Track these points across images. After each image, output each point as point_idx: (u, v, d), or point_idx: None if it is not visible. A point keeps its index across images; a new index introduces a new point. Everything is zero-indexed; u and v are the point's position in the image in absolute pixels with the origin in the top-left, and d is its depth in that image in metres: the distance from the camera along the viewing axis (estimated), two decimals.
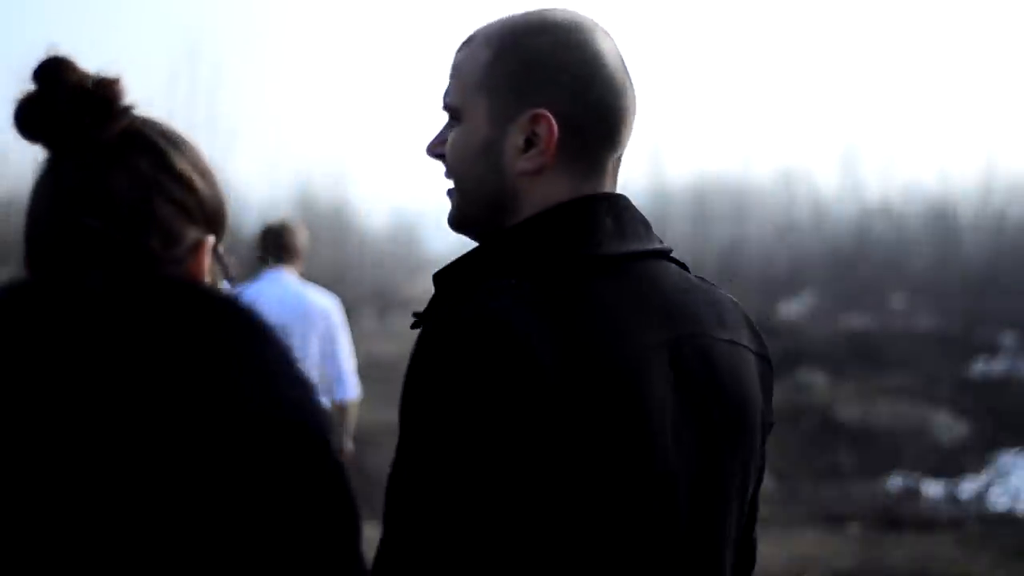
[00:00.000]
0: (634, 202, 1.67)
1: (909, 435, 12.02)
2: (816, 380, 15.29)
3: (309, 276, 6.32)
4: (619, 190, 1.69)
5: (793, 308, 23.75)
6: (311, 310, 5.92)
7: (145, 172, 1.49)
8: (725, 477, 1.64)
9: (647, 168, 29.04)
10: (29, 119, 1.50)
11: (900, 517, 9.19)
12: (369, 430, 6.42)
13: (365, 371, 6.91)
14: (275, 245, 5.96)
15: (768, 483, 10.72)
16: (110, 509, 1.39)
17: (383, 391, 8.17)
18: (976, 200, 26.64)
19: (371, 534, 1.42)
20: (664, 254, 1.67)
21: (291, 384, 1.46)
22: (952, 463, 11.04)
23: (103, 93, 1.49)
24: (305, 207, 24.18)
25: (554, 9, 1.66)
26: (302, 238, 6.05)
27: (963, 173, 33.10)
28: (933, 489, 10.41)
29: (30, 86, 1.50)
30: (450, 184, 1.66)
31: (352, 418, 6.21)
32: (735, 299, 1.76)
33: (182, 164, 1.52)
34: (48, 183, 1.51)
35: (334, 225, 24.25)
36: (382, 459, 1.62)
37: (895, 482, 10.55)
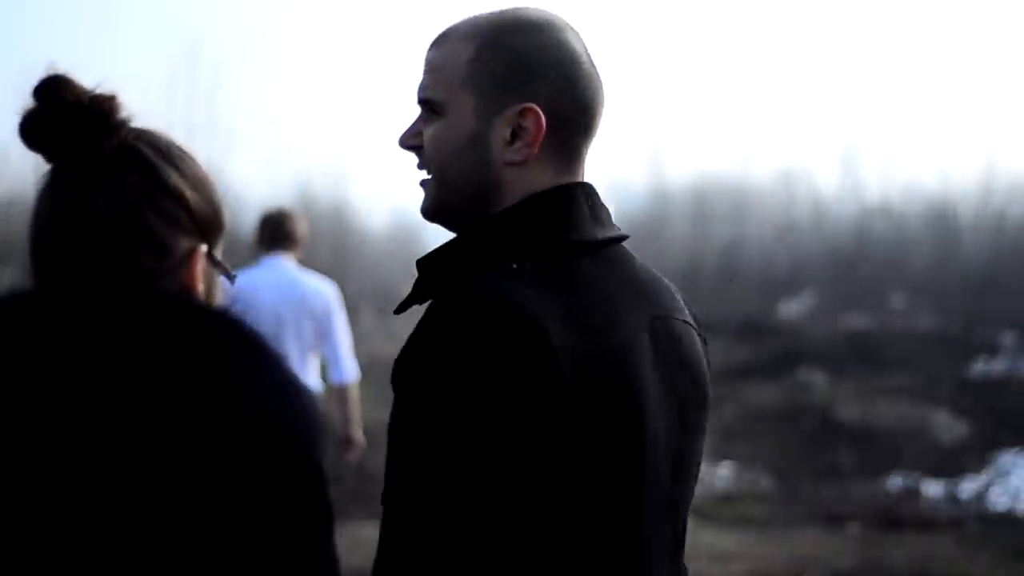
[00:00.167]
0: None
1: (909, 435, 12.02)
2: (816, 380, 15.30)
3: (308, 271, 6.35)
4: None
5: (793, 308, 23.76)
6: (307, 296, 5.98)
7: (135, 187, 1.54)
8: (693, 451, 1.77)
9: (647, 168, 29.06)
10: (30, 134, 1.57)
11: (900, 517, 9.19)
12: (369, 429, 6.42)
13: (365, 370, 6.91)
14: (274, 233, 6.04)
15: (768, 483, 10.74)
16: (88, 503, 1.44)
17: (383, 391, 8.17)
18: (976, 200, 26.65)
19: (372, 533, 1.43)
20: (624, 239, 1.77)
21: (273, 391, 1.50)
22: (952, 463, 11.04)
23: (99, 109, 1.55)
24: (305, 207, 24.17)
25: (526, 8, 1.75)
26: (301, 226, 6.12)
27: (963, 173, 33.12)
28: (933, 489, 10.41)
29: (31, 100, 1.56)
30: (423, 175, 1.73)
31: (354, 401, 6.23)
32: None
33: (173, 177, 1.57)
34: (46, 196, 1.58)
35: (334, 225, 24.26)
36: (382, 459, 1.63)
37: (895, 482, 10.54)
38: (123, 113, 1.57)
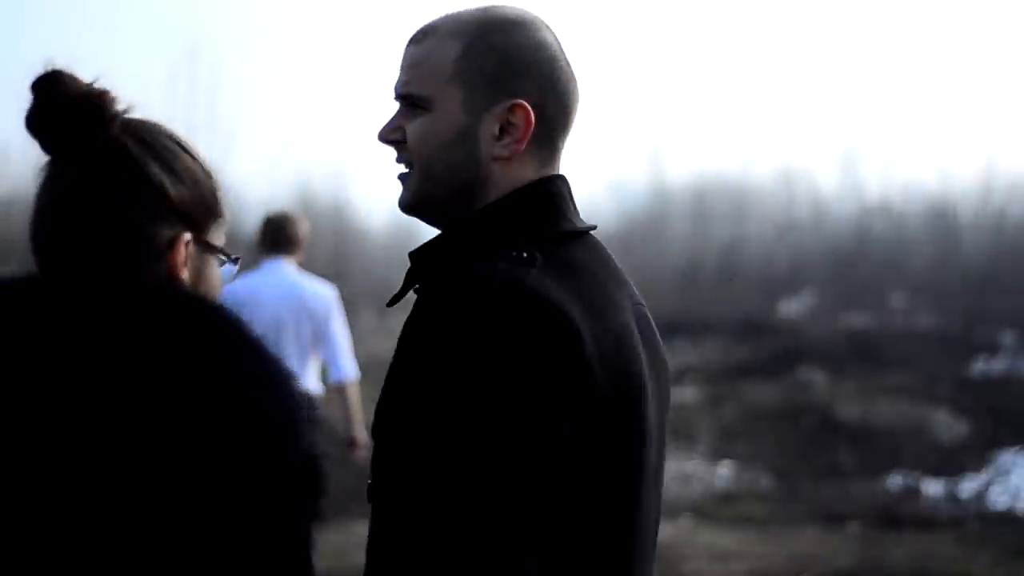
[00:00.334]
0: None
1: (909, 434, 12.02)
2: (816, 379, 15.29)
3: (310, 273, 6.42)
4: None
5: (793, 307, 23.75)
6: (307, 299, 6.09)
7: (115, 179, 1.60)
8: (665, 433, 1.83)
9: (647, 168, 29.03)
10: (29, 127, 1.62)
11: (900, 516, 9.19)
12: (369, 428, 6.42)
13: (364, 370, 6.92)
14: (275, 236, 6.14)
15: (768, 482, 10.74)
16: (66, 487, 1.47)
17: None
18: (976, 199, 26.63)
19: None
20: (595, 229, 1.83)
21: (253, 378, 1.54)
22: (952, 462, 11.03)
23: (91, 103, 1.60)
24: (305, 207, 24.17)
25: (504, 6, 1.79)
26: (303, 229, 6.22)
27: (963, 172, 33.08)
28: (933, 488, 10.41)
29: (29, 94, 1.61)
30: (401, 169, 1.77)
31: (355, 401, 6.28)
32: None
33: (153, 169, 1.61)
34: (39, 189, 1.64)
35: (334, 225, 24.25)
36: None
37: (895, 481, 10.54)
38: (116, 107, 1.62)
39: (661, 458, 1.80)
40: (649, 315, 1.82)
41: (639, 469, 1.70)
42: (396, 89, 1.77)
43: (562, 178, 1.79)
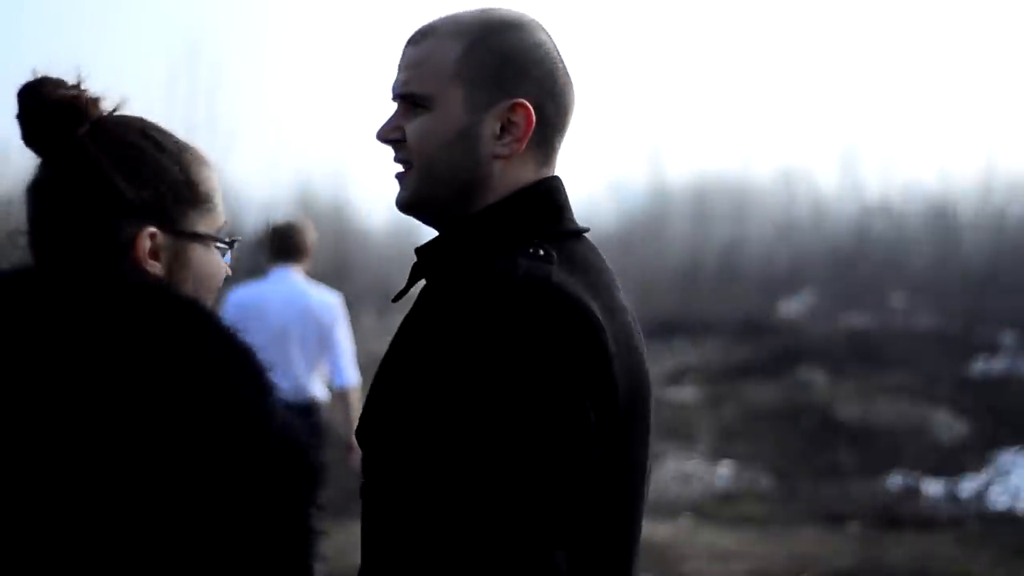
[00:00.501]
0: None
1: (909, 434, 12.02)
2: (816, 379, 15.29)
3: (310, 275, 6.51)
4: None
5: (793, 307, 23.75)
6: (312, 306, 6.24)
7: (78, 180, 1.67)
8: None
9: (647, 168, 29.02)
10: (21, 134, 1.71)
11: (900, 516, 9.19)
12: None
13: (364, 369, 6.93)
14: (282, 244, 6.32)
15: (768, 482, 10.74)
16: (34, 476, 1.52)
17: None
18: (976, 199, 26.63)
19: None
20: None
21: (205, 360, 1.59)
22: (952, 462, 11.03)
23: (64, 109, 1.68)
24: (305, 207, 24.17)
25: (502, 8, 1.81)
26: (310, 237, 6.38)
27: (963, 172, 33.10)
28: (933, 488, 10.41)
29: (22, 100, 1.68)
30: (399, 168, 1.78)
31: (355, 406, 6.36)
32: None
33: (107, 168, 1.67)
34: (25, 191, 1.73)
35: (334, 225, 24.24)
36: None
37: (895, 481, 10.54)
38: (93, 109, 1.68)
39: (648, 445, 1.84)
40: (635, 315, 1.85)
41: (642, 466, 1.74)
42: (395, 89, 1.78)
43: (558, 179, 1.81)
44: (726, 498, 10.10)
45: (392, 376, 1.70)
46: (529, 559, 1.53)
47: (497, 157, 1.75)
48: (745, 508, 9.65)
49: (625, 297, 1.80)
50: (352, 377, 6.42)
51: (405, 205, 1.79)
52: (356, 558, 1.79)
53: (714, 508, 9.62)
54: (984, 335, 18.28)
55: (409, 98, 1.76)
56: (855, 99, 43.15)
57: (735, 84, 44.09)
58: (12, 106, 1.66)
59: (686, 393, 14.46)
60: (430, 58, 1.75)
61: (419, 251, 1.79)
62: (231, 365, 1.61)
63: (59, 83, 1.68)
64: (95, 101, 1.69)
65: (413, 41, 1.78)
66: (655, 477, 9.20)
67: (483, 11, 1.79)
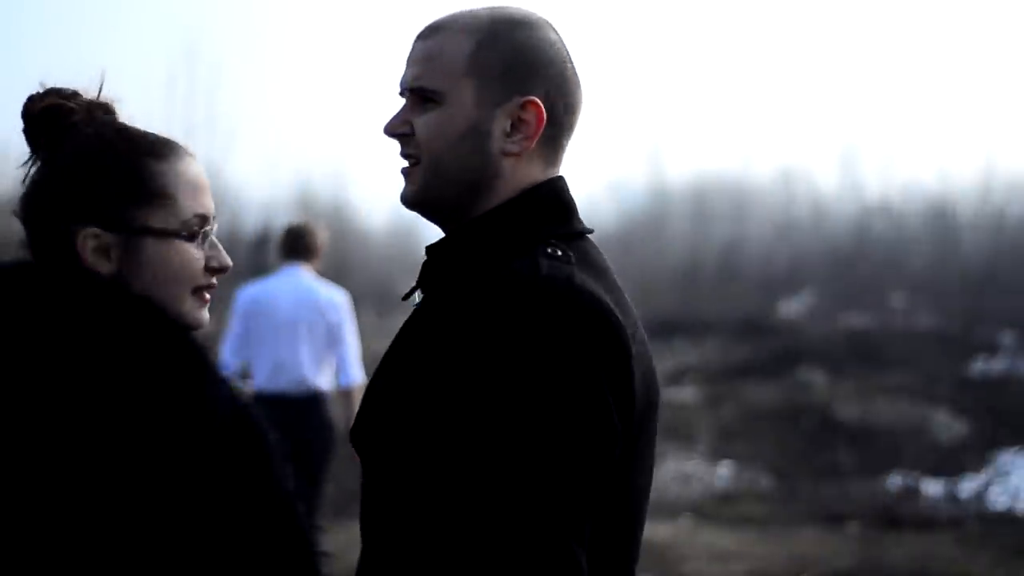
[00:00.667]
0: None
1: (909, 434, 12.01)
2: (815, 379, 15.29)
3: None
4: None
5: (792, 307, 23.75)
6: (321, 303, 6.48)
7: (39, 183, 1.78)
8: None
9: (647, 168, 29.03)
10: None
11: (900, 516, 9.18)
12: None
13: (364, 367, 6.94)
14: (294, 244, 6.57)
15: (768, 482, 10.73)
16: None
17: None
18: (975, 199, 26.63)
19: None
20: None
21: (125, 357, 1.64)
22: (952, 462, 11.03)
23: (44, 118, 1.78)
24: (305, 207, 24.18)
25: (512, 6, 1.81)
26: (321, 238, 6.65)
27: (962, 172, 33.12)
28: (933, 488, 10.41)
29: (30, 88, 1.76)
30: (405, 163, 1.77)
31: (357, 402, 6.31)
32: None
33: (53, 171, 1.76)
34: None
35: (334, 225, 24.23)
36: None
37: (894, 481, 10.54)
38: (67, 118, 1.77)
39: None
40: None
41: (651, 467, 1.75)
42: (404, 83, 1.77)
43: (563, 179, 1.81)
44: (726, 498, 10.10)
45: (403, 377, 1.69)
46: (554, 558, 1.54)
47: (507, 154, 1.74)
48: (745, 508, 9.65)
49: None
50: (356, 376, 6.59)
51: (411, 201, 1.78)
52: (355, 558, 1.79)
53: (714, 508, 9.61)
54: (983, 335, 18.28)
55: (419, 92, 1.75)
56: (855, 99, 43.15)
57: (735, 84, 44.09)
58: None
59: (686, 393, 14.46)
60: (441, 53, 1.74)
61: (431, 249, 1.78)
62: (164, 356, 1.66)
63: (52, 92, 1.76)
64: (75, 109, 1.77)
65: (423, 36, 1.77)
66: (655, 477, 9.17)
67: (494, 8, 1.79)
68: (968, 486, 10.44)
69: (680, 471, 10.63)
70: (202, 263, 1.78)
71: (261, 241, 19.27)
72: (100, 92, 1.82)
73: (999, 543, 8.48)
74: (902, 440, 11.72)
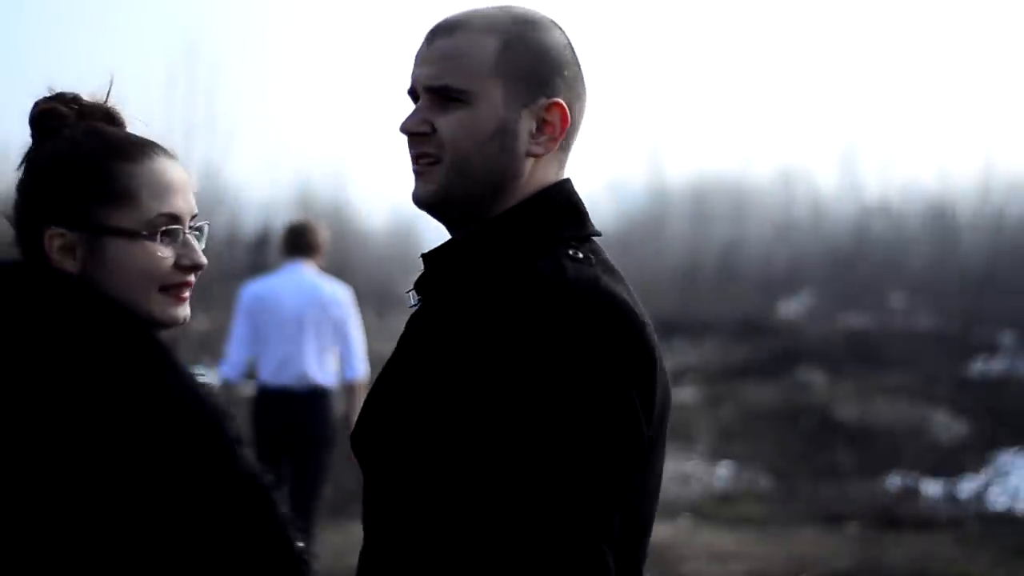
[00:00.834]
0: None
1: (908, 434, 12.01)
2: (815, 379, 15.29)
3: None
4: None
5: (792, 307, 23.75)
6: (326, 299, 6.60)
7: (19, 185, 1.83)
8: None
9: (647, 168, 29.04)
10: None
11: (899, 516, 9.18)
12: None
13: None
14: (296, 241, 6.69)
15: (767, 482, 10.73)
16: None
17: None
18: (975, 199, 26.63)
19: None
20: None
21: (75, 351, 1.69)
22: (951, 462, 11.02)
23: (37, 122, 1.83)
24: (305, 207, 24.16)
25: (519, 5, 1.80)
26: (323, 235, 6.80)
27: (962, 172, 33.13)
28: (932, 488, 10.40)
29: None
30: (424, 162, 1.74)
31: (361, 396, 6.52)
32: None
33: (25, 174, 1.82)
34: None
35: (334, 225, 24.22)
36: None
37: (894, 481, 10.53)
38: (56, 122, 1.81)
39: None
40: None
41: (661, 470, 1.76)
42: (422, 81, 1.74)
43: (572, 181, 1.81)
44: (725, 498, 10.10)
45: (418, 382, 1.67)
46: (584, 558, 1.55)
47: (532, 155, 1.74)
48: (744, 508, 9.65)
49: None
50: (360, 371, 6.69)
51: (430, 200, 1.75)
52: (355, 559, 1.79)
53: (713, 508, 9.61)
54: (983, 335, 18.29)
55: (442, 92, 1.72)
56: (854, 99, 43.15)
57: (735, 84, 44.08)
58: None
59: (685, 393, 14.45)
60: (466, 52, 1.72)
61: (447, 250, 1.76)
62: (110, 351, 1.69)
63: (53, 97, 1.82)
64: (67, 113, 1.81)
65: (440, 34, 1.75)
66: None
67: (506, 8, 1.78)
68: (968, 486, 10.44)
69: (679, 471, 10.63)
70: (170, 261, 1.80)
71: (261, 241, 19.28)
72: (108, 96, 1.86)
73: (999, 543, 8.48)
74: (901, 440, 11.71)
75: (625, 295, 1.66)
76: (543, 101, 1.73)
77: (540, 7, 1.82)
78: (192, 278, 1.82)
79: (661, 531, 8.62)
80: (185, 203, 1.82)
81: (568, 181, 1.78)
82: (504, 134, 1.72)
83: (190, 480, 1.67)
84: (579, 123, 1.78)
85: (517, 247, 1.70)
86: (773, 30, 46.68)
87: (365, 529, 1.76)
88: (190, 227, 1.84)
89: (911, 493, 10.21)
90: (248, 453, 1.76)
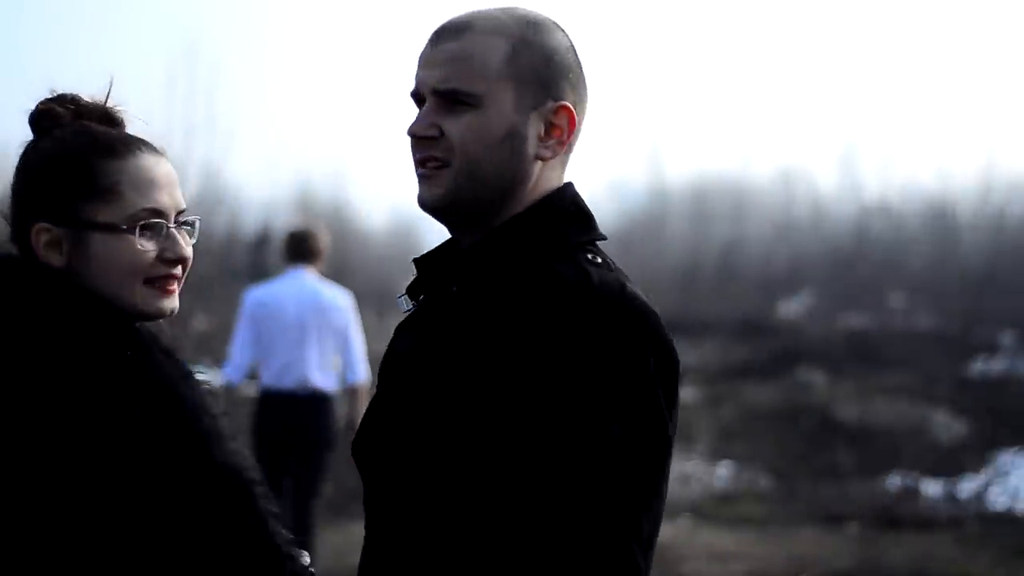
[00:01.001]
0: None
1: (908, 434, 12.01)
2: (815, 379, 15.29)
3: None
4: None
5: (792, 307, 23.75)
6: (327, 305, 6.71)
7: (12, 181, 1.87)
8: None
9: (647, 168, 29.04)
10: None
11: (899, 516, 9.18)
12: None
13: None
14: (298, 248, 6.80)
15: (767, 482, 10.73)
16: None
17: None
18: (975, 199, 26.63)
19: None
20: None
21: (48, 341, 1.73)
22: (951, 462, 11.02)
23: (33, 122, 1.88)
24: (305, 207, 24.19)
25: (521, 7, 1.78)
26: (324, 241, 6.91)
27: (962, 172, 33.15)
28: (932, 488, 10.40)
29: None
30: (431, 165, 1.73)
31: (363, 399, 6.67)
32: None
33: (25, 175, 1.86)
34: None
35: (334, 225, 24.23)
36: None
37: (894, 481, 10.53)
38: (56, 119, 1.85)
39: None
40: None
41: (669, 471, 1.77)
42: (430, 84, 1.72)
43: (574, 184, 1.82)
44: (725, 498, 10.10)
45: (439, 387, 1.66)
46: (617, 559, 1.58)
47: (540, 159, 1.73)
48: (744, 509, 9.65)
49: None
50: (362, 374, 6.77)
51: (437, 204, 1.74)
52: (355, 559, 1.78)
53: (713, 508, 9.61)
54: (983, 335, 18.29)
55: (451, 95, 1.71)
56: (854, 99, 43.16)
57: (735, 84, 44.09)
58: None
59: (685, 393, 14.44)
60: (475, 55, 1.71)
61: (460, 254, 1.75)
62: (86, 340, 1.73)
63: (53, 98, 1.86)
64: (62, 113, 1.85)
65: (446, 37, 1.73)
66: None
67: (511, 10, 1.77)
68: (967, 486, 10.44)
69: (679, 471, 10.62)
70: (152, 255, 1.82)
71: (261, 241, 19.28)
72: (108, 97, 1.89)
73: (999, 543, 8.48)
74: (901, 440, 11.71)
75: (645, 299, 1.67)
76: (551, 104, 1.72)
77: (541, 7, 1.81)
78: (178, 271, 1.85)
79: (661, 531, 8.58)
80: (170, 198, 1.85)
81: (572, 185, 1.78)
82: (514, 138, 1.71)
83: (159, 472, 1.70)
84: (582, 126, 1.78)
85: (533, 253, 1.69)
86: (773, 30, 46.70)
87: (370, 534, 1.75)
88: (180, 222, 1.86)
89: (911, 493, 10.21)
90: (233, 445, 1.79)
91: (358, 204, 28.44)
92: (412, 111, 1.76)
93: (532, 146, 1.72)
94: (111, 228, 1.81)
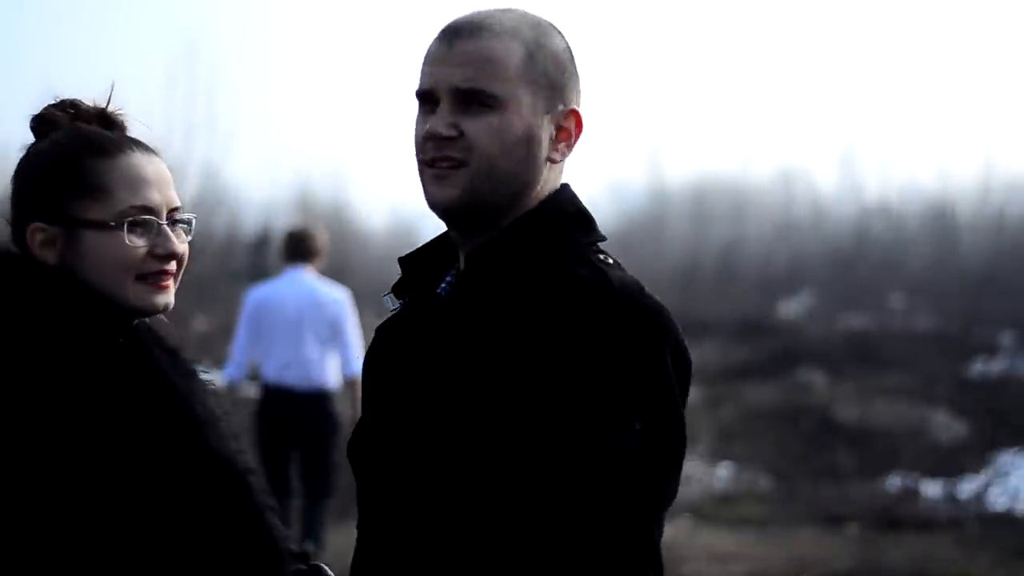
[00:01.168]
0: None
1: (908, 435, 12.01)
2: (815, 380, 15.29)
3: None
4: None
5: (792, 308, 23.75)
6: (325, 302, 6.90)
7: (10, 183, 1.91)
8: None
9: (647, 168, 29.06)
10: None
11: (899, 517, 9.18)
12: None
13: None
14: (296, 247, 6.99)
15: (767, 483, 10.73)
16: None
17: None
18: (975, 200, 26.65)
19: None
20: None
21: (36, 334, 1.76)
22: (951, 463, 11.02)
23: (39, 122, 1.91)
24: (305, 207, 24.20)
25: (524, 9, 1.80)
26: (322, 241, 7.10)
27: (962, 172, 33.17)
28: (932, 489, 10.40)
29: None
30: (443, 164, 1.72)
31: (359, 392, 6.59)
32: None
33: (22, 175, 1.89)
34: None
35: (334, 226, 24.24)
36: None
37: (894, 482, 10.53)
38: (56, 122, 1.89)
39: None
40: None
41: None
42: (451, 83, 1.71)
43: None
44: (725, 499, 10.10)
45: (457, 388, 1.66)
46: (635, 542, 1.61)
47: (551, 161, 1.76)
48: (744, 509, 9.65)
49: None
50: (358, 368, 6.67)
51: (452, 204, 1.73)
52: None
53: (713, 509, 9.61)
54: (983, 336, 18.28)
55: (473, 95, 1.71)
56: (854, 99, 43.17)
57: (735, 84, 44.10)
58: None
59: None
60: (496, 57, 1.71)
61: (471, 256, 1.75)
62: (76, 335, 1.76)
63: (56, 104, 1.90)
64: (60, 118, 1.89)
65: (463, 36, 1.73)
66: None
67: (521, 13, 1.78)
68: (967, 487, 10.44)
69: None
70: (142, 251, 1.85)
71: (261, 241, 19.28)
72: (109, 101, 1.92)
73: (999, 544, 8.48)
74: (901, 441, 11.71)
75: (658, 299, 1.70)
76: (562, 108, 1.75)
77: (542, 7, 1.82)
78: (170, 267, 1.87)
79: None
80: (161, 195, 1.87)
81: (569, 186, 1.80)
82: (531, 141, 1.73)
83: (153, 462, 1.72)
84: (582, 127, 1.80)
85: (548, 254, 1.71)
86: (773, 30, 46.71)
87: (364, 535, 1.76)
88: (174, 219, 1.88)
89: (911, 494, 10.21)
90: (228, 436, 1.81)
91: (358, 204, 28.44)
92: (412, 111, 1.75)
93: (545, 149, 1.75)
94: (101, 225, 1.84)
